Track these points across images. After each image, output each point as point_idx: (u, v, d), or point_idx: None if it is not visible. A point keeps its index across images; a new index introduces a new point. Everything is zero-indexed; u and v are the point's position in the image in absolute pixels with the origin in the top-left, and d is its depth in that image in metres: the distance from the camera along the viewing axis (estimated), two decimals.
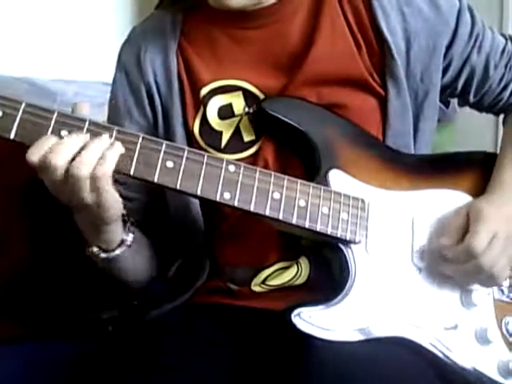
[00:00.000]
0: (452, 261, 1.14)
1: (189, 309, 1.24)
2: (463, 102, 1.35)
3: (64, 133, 0.98)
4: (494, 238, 1.13)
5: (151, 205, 1.26)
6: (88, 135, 0.99)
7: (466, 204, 1.19)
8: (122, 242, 1.13)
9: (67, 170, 0.97)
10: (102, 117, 1.28)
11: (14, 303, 1.52)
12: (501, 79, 1.29)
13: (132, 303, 1.25)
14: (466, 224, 1.16)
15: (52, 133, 0.98)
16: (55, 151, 0.97)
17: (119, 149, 1.00)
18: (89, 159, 0.98)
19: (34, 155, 0.97)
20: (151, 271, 1.28)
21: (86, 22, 2.01)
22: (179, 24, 1.26)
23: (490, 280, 1.16)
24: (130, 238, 1.14)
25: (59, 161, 0.97)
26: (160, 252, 1.29)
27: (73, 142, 0.98)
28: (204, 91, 1.22)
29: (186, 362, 1.11)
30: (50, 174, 0.98)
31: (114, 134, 1.00)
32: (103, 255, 1.13)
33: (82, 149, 0.98)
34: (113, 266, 1.16)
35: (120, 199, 1.04)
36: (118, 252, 1.13)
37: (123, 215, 1.11)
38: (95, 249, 1.13)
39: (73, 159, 0.98)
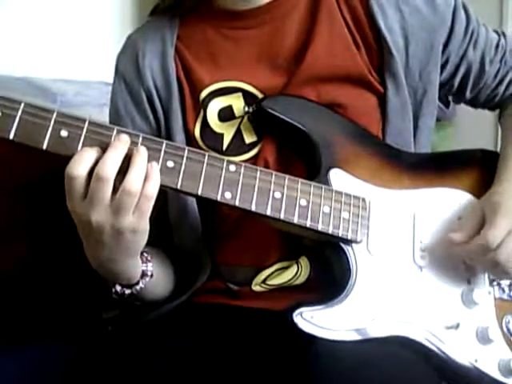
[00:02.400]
0: (466, 257, 1.15)
1: (188, 309, 1.24)
2: (459, 98, 1.35)
3: (64, 133, 0.97)
4: (511, 231, 1.12)
5: (159, 215, 1.26)
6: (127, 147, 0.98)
7: (481, 201, 1.19)
8: (144, 273, 1.13)
9: (116, 185, 0.95)
10: (102, 117, 1.27)
11: (13, 303, 1.52)
12: (496, 74, 1.30)
13: (134, 304, 1.25)
14: (480, 219, 1.15)
15: (52, 132, 0.96)
16: (103, 162, 0.95)
17: (158, 168, 0.99)
18: (138, 175, 0.97)
19: (80, 167, 0.95)
20: (173, 283, 1.28)
21: (87, 22, 2.00)
22: (175, 29, 1.26)
23: (504, 274, 1.16)
24: (149, 267, 1.13)
25: (109, 172, 0.95)
26: (173, 260, 1.29)
27: (118, 152, 0.97)
28: (203, 94, 1.22)
29: (186, 362, 1.11)
30: (98, 189, 0.95)
31: (115, 133, 0.99)
32: (128, 291, 1.12)
33: (128, 163, 0.97)
34: (137, 297, 1.15)
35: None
36: (141, 285, 1.13)
37: None
38: (118, 287, 1.12)
39: (120, 173, 0.96)
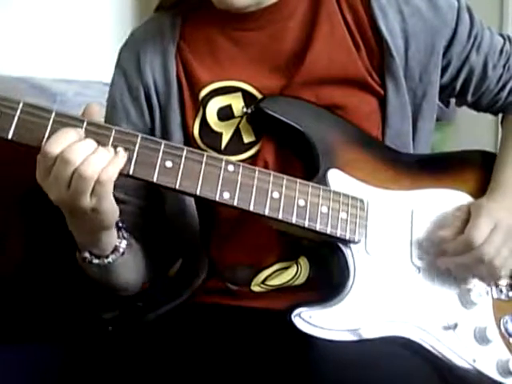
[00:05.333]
0: (451, 253, 1.15)
1: (188, 309, 1.25)
2: (461, 101, 1.35)
3: None
4: (494, 228, 1.15)
5: (147, 208, 1.26)
6: (94, 142, 0.99)
7: (468, 202, 1.20)
8: (116, 248, 1.12)
9: (76, 169, 0.96)
10: (101, 117, 1.27)
11: (12, 304, 1.52)
12: (499, 79, 1.29)
13: (135, 304, 1.25)
14: (466, 218, 1.17)
15: (51, 132, 0.97)
16: (73, 148, 0.96)
17: (124, 158, 1.00)
18: (97, 162, 0.97)
19: (55, 146, 0.96)
20: (143, 277, 1.27)
21: (87, 22, 2.00)
22: (178, 27, 1.26)
23: (491, 272, 1.16)
24: (123, 244, 1.13)
25: (74, 157, 0.96)
26: (155, 257, 1.29)
27: (87, 144, 0.97)
28: (203, 93, 1.22)
29: (186, 362, 1.11)
30: (61, 169, 0.96)
31: (113, 133, 0.99)
32: (96, 261, 1.12)
33: (92, 152, 0.98)
34: (103, 272, 1.14)
35: (117, 207, 1.03)
36: (110, 259, 1.12)
37: (117, 222, 1.10)
38: (87, 254, 1.11)
39: (83, 160, 0.97)
